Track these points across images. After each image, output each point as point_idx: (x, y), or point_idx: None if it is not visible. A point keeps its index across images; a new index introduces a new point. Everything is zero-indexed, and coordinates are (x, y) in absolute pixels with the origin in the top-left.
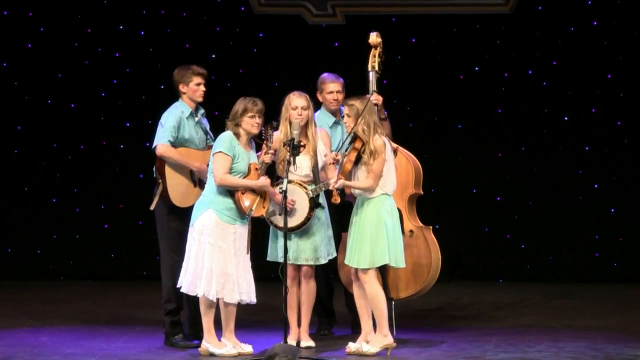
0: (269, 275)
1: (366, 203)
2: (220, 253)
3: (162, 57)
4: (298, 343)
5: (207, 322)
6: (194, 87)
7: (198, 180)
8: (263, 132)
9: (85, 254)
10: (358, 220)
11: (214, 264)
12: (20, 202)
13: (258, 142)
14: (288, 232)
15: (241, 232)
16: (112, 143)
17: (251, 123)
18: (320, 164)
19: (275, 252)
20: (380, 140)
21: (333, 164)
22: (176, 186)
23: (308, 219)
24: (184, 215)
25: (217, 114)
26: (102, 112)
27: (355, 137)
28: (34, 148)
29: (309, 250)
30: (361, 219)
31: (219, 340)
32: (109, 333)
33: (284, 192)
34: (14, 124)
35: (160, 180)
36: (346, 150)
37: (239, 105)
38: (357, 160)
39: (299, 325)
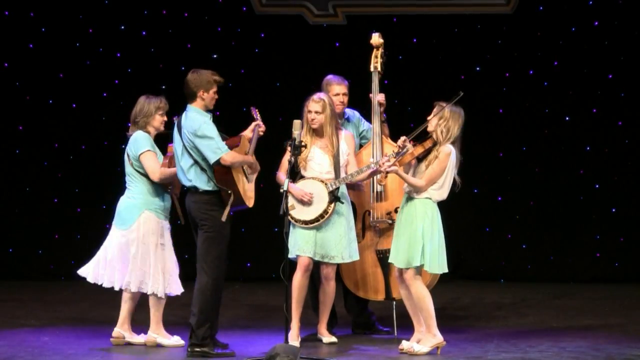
0: (269, 275)
1: (408, 204)
2: (163, 250)
3: (163, 58)
4: (320, 340)
5: (159, 316)
6: (212, 95)
7: (247, 175)
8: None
9: (87, 254)
10: (400, 220)
11: (160, 261)
12: (22, 202)
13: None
14: (305, 225)
15: (168, 227)
16: (113, 143)
17: (161, 120)
18: (342, 162)
19: (294, 248)
20: (449, 149)
21: (401, 147)
22: (243, 188)
23: (326, 212)
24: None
25: (218, 114)
26: (104, 112)
27: (428, 136)
28: (35, 148)
29: (323, 248)
30: (402, 220)
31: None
32: (111, 333)
33: (285, 192)
34: (15, 124)
35: (229, 191)
36: (415, 143)
37: (150, 105)
38: (421, 158)
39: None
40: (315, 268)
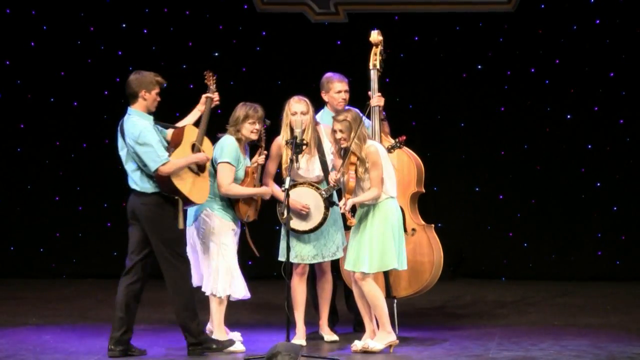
0: (271, 273)
1: (372, 208)
2: (226, 251)
3: (165, 56)
4: (321, 337)
5: (219, 318)
6: (154, 97)
7: (197, 167)
8: None
9: (88, 252)
10: (365, 225)
11: (220, 262)
12: (23, 201)
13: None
14: (306, 234)
15: (237, 231)
16: (114, 141)
17: (251, 129)
18: (329, 162)
19: (291, 254)
20: (373, 148)
21: (333, 186)
22: (190, 188)
23: (325, 219)
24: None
25: (220, 112)
26: (105, 110)
27: (347, 153)
28: (36, 146)
29: (323, 247)
30: (368, 224)
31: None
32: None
33: (287, 191)
34: (16, 122)
35: (176, 196)
36: (342, 166)
37: (240, 112)
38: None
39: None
40: (311, 265)
